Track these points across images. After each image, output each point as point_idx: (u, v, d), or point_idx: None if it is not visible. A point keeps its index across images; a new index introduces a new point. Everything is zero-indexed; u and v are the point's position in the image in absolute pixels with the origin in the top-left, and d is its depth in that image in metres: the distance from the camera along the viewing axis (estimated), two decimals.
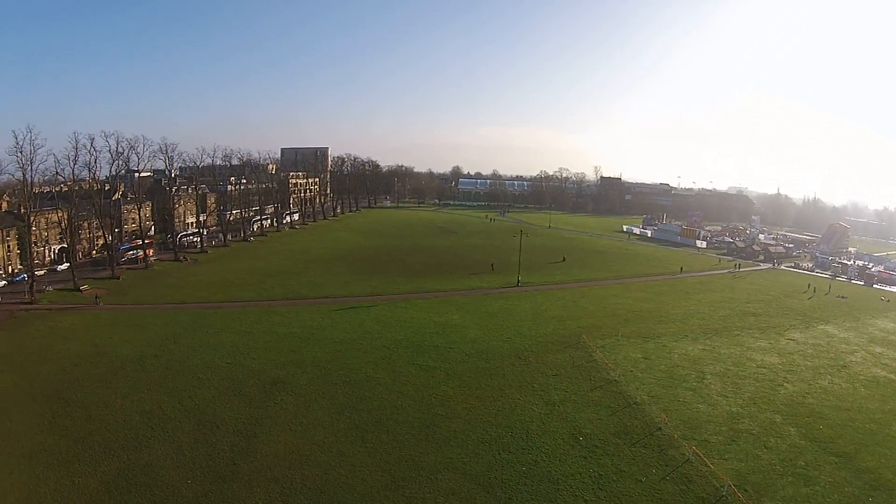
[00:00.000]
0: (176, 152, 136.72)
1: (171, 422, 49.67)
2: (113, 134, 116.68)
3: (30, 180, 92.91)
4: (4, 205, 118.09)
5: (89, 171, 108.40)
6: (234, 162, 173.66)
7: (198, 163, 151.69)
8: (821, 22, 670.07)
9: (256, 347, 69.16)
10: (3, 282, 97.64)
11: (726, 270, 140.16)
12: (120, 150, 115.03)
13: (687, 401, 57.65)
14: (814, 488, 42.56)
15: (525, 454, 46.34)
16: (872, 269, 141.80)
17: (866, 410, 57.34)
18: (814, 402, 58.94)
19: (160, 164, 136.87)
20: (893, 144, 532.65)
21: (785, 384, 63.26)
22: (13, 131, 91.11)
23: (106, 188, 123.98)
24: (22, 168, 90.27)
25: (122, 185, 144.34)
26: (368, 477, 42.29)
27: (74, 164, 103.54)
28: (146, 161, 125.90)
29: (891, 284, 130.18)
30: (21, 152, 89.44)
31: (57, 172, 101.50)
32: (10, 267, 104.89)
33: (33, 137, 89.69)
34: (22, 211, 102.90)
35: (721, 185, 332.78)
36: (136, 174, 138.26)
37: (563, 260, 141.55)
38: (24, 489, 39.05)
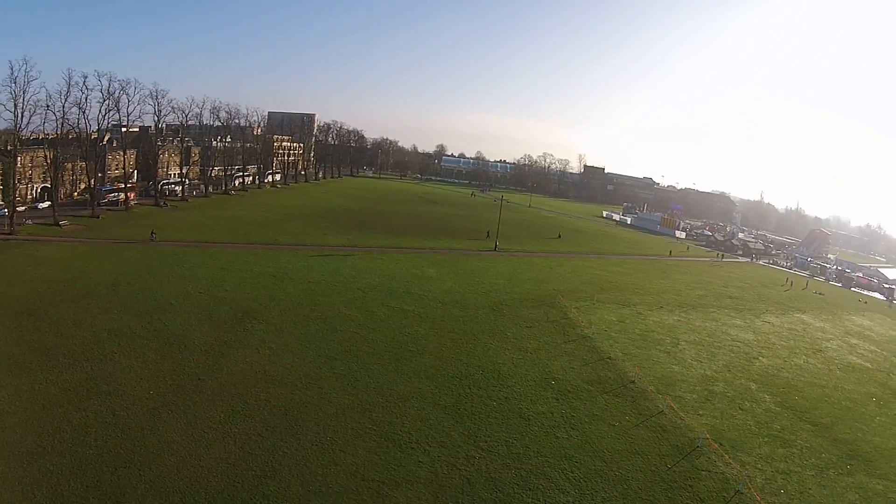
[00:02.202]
0: (165, 99, 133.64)
1: (139, 339, 48.43)
2: (106, 74, 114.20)
3: (20, 111, 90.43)
4: None
5: (79, 109, 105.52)
6: (222, 115, 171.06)
7: (186, 113, 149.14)
8: (820, 22, 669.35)
9: (231, 281, 67.94)
10: None
11: (707, 259, 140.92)
12: (112, 90, 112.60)
13: (661, 361, 57.64)
14: (790, 450, 42.43)
15: (496, 391, 45.98)
16: (852, 274, 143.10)
17: (842, 390, 57.18)
18: (789, 376, 59.00)
19: (149, 111, 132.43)
20: (894, 145, 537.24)
21: (760, 358, 63.33)
22: (10, 61, 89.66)
23: (93, 137, 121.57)
24: (14, 98, 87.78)
25: (110, 134, 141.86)
26: (336, 399, 41.60)
27: (66, 100, 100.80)
28: (136, 104, 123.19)
29: (869, 290, 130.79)
30: (15, 83, 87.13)
31: (47, 106, 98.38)
32: None
33: (28, 69, 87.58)
34: (8, 147, 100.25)
35: (705, 188, 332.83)
36: (125, 129, 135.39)
37: (559, 237, 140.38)
38: None
